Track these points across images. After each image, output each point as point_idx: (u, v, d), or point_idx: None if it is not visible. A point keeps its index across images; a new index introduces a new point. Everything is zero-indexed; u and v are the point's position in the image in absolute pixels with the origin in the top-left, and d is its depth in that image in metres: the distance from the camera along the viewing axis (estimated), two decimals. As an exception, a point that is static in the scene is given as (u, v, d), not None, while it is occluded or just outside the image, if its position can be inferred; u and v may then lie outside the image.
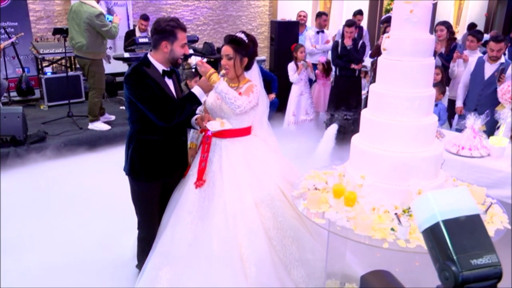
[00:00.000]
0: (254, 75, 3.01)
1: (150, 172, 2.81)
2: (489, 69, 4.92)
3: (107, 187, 4.19)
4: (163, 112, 2.64)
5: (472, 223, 0.90)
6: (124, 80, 2.67)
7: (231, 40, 2.85)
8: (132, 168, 2.82)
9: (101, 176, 4.49)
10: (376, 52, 6.41)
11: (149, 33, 7.14)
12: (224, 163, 2.89)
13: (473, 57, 5.38)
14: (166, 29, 2.64)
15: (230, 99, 2.73)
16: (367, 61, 7.04)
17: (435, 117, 2.49)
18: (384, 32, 6.74)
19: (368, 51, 7.06)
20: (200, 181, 2.86)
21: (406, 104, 2.35)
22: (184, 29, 2.71)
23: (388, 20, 7.32)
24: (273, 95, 6.62)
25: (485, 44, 6.06)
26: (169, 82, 2.79)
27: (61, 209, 4.09)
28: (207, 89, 2.76)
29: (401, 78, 2.37)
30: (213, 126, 2.77)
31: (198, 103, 2.78)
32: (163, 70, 2.74)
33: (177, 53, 2.71)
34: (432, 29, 7.29)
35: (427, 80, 2.41)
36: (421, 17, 2.30)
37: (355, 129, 2.72)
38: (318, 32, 7.27)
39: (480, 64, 4.97)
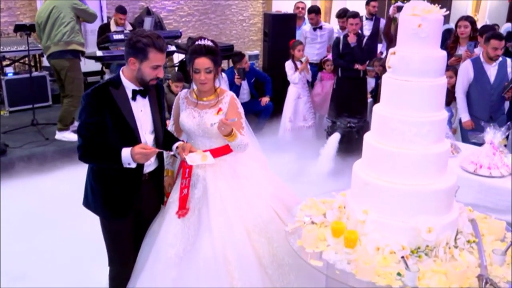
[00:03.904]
0: (221, 82, 3.13)
1: (104, 208, 2.77)
2: (491, 71, 4.85)
3: (77, 209, 4.11)
4: (81, 145, 2.64)
5: None
6: (82, 97, 2.66)
7: (208, 51, 2.82)
8: (86, 200, 2.83)
9: (71, 197, 4.41)
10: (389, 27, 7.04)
11: (127, 28, 7.16)
12: (209, 187, 2.88)
13: None
14: (136, 45, 2.55)
15: (241, 147, 2.90)
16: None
17: (448, 144, 2.48)
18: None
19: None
20: (183, 210, 2.85)
21: (414, 130, 2.34)
22: (160, 49, 2.58)
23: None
24: (266, 99, 6.58)
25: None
26: (143, 103, 2.72)
27: (24, 234, 4.03)
28: (139, 161, 2.62)
29: (409, 101, 2.36)
30: (194, 159, 2.75)
31: (120, 166, 2.61)
32: (134, 90, 2.66)
33: (146, 75, 2.61)
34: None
35: (438, 102, 2.40)
36: (430, 32, 2.28)
37: (360, 139, 2.71)
38: (315, 29, 7.22)
39: (479, 67, 4.85)
